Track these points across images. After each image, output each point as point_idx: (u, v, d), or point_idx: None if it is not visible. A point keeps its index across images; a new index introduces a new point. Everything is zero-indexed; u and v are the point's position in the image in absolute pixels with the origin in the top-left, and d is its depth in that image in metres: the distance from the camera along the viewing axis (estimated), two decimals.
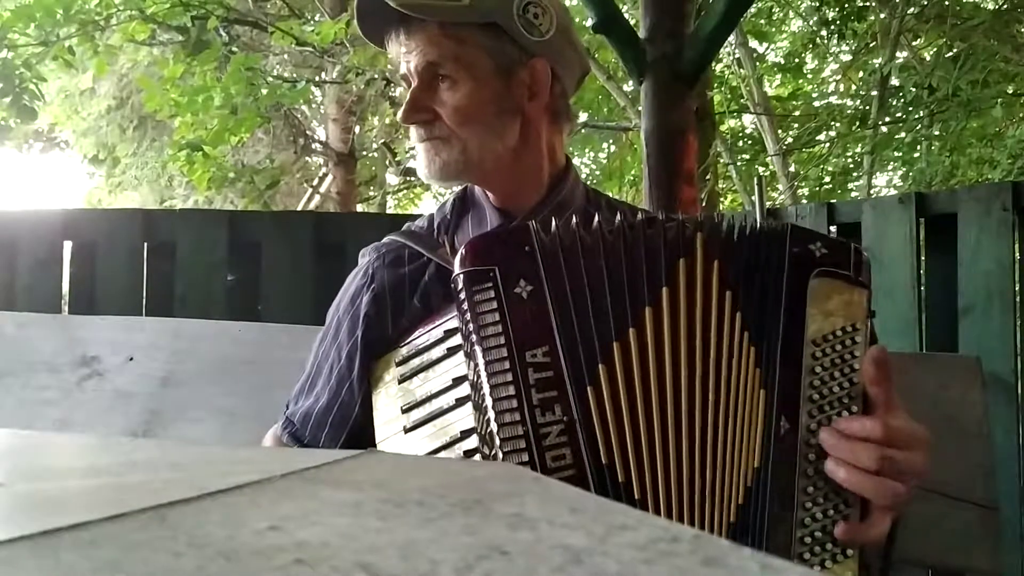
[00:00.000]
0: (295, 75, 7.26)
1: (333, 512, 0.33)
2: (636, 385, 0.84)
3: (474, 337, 0.85)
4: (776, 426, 0.84)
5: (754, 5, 5.55)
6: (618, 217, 0.89)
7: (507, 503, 0.35)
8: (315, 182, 9.62)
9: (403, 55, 1.06)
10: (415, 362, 0.97)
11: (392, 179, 10.19)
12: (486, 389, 0.84)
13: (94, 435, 1.45)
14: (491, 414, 0.83)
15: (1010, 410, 2.13)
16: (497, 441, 0.82)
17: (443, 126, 1.05)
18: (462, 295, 0.87)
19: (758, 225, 0.90)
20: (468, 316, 0.86)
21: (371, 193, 10.26)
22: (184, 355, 1.53)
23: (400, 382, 0.98)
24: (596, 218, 0.89)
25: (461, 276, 0.87)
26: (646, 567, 0.26)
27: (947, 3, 5.86)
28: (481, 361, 0.84)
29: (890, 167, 8.13)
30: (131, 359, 1.55)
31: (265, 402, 1.33)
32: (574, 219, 0.89)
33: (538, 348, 0.84)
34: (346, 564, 0.26)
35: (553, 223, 0.88)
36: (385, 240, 1.13)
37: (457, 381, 0.91)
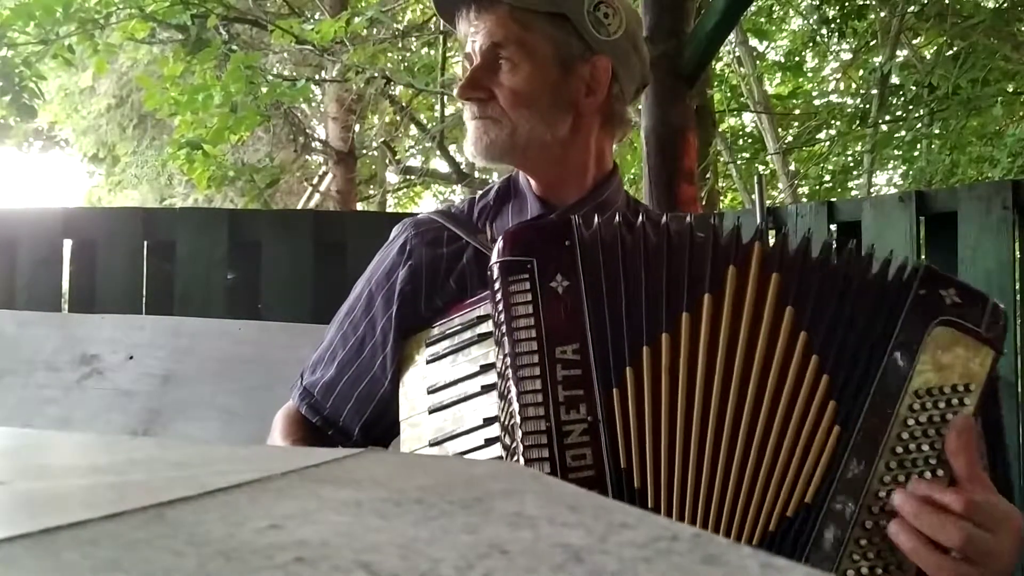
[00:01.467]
0: (295, 73, 7.26)
1: (333, 511, 0.33)
2: (663, 391, 0.82)
3: (505, 327, 0.84)
4: (846, 466, 0.80)
5: (754, 3, 5.55)
6: (664, 219, 0.87)
7: (507, 501, 0.35)
8: (315, 181, 9.63)
9: (470, 34, 1.08)
10: (445, 344, 0.96)
11: (392, 178, 10.19)
12: (512, 381, 0.83)
13: (94, 433, 1.45)
14: (515, 406, 0.82)
15: (1011, 409, 2.13)
16: (519, 434, 0.81)
17: (496, 106, 1.05)
18: (497, 284, 0.86)
19: (868, 263, 0.86)
20: (501, 305, 0.85)
21: (371, 192, 10.26)
22: (184, 353, 1.53)
23: (429, 362, 0.97)
24: (640, 217, 0.87)
25: (497, 265, 0.86)
26: (646, 565, 0.26)
27: (947, 1, 5.86)
28: (510, 352, 0.83)
29: (890, 165, 8.13)
30: (131, 357, 1.55)
31: (265, 400, 1.33)
32: (617, 216, 0.88)
33: (568, 345, 0.83)
34: (346, 563, 0.26)
35: (596, 219, 0.87)
36: (422, 217, 1.13)
37: (485, 368, 0.90)
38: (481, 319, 0.92)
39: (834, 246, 0.86)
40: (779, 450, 0.81)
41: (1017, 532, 0.79)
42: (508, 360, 0.84)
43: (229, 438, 1.45)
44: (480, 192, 1.19)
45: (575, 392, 0.82)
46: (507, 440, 0.85)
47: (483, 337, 0.92)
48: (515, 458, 0.82)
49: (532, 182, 1.11)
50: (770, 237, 0.89)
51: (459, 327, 0.95)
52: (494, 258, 0.87)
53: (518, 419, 0.82)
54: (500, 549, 0.28)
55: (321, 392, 1.11)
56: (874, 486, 0.80)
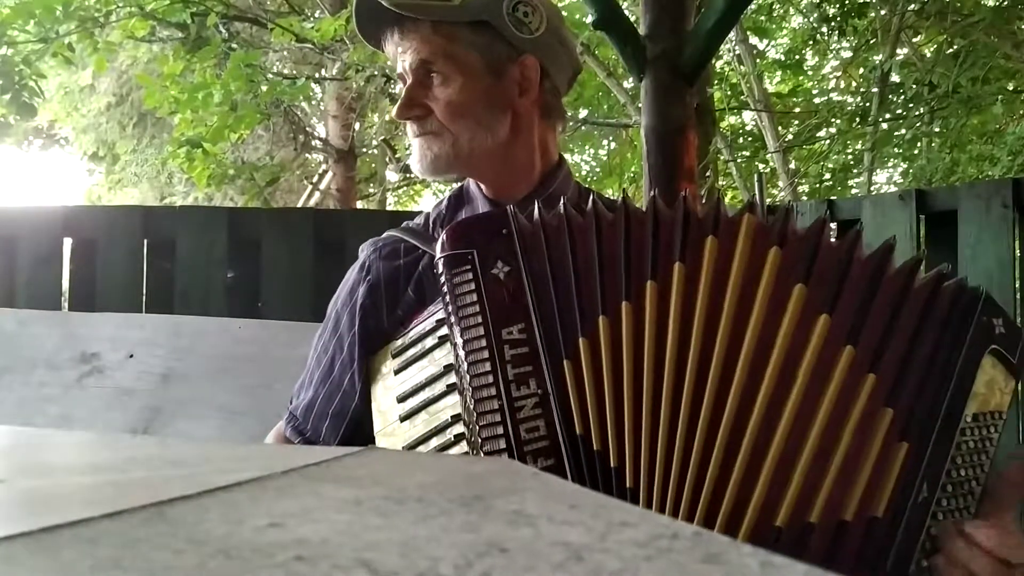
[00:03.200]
0: (295, 72, 7.25)
1: (333, 509, 0.33)
2: (624, 357, 0.83)
3: (453, 319, 0.87)
4: (916, 490, 0.81)
5: (754, 1, 5.55)
6: (619, 198, 0.89)
7: (507, 500, 0.35)
8: (315, 179, 9.62)
9: (399, 54, 1.10)
10: (409, 353, 0.99)
11: (392, 176, 10.19)
12: (465, 368, 0.85)
13: (94, 432, 1.45)
14: (469, 391, 0.84)
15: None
16: (475, 417, 0.83)
17: (435, 121, 1.08)
18: (443, 279, 0.88)
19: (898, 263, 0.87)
20: (448, 299, 0.87)
21: (371, 190, 10.26)
22: (184, 352, 1.53)
23: (396, 373, 0.99)
24: (591, 198, 0.89)
25: (442, 260, 0.88)
26: (646, 563, 0.26)
27: (947, 0, 5.85)
28: (460, 341, 0.86)
29: (890, 164, 8.13)
30: (131, 356, 1.55)
31: (265, 398, 1.33)
32: (562, 204, 0.89)
33: (514, 325, 0.85)
34: (346, 561, 0.26)
35: (536, 206, 0.89)
36: (383, 236, 1.16)
37: (448, 368, 0.92)
38: (440, 323, 0.94)
39: (861, 237, 0.87)
40: (809, 438, 0.81)
41: None
42: (459, 350, 0.86)
43: (229, 436, 1.45)
44: (435, 204, 1.21)
45: (524, 368, 0.83)
46: (463, 428, 0.87)
47: (444, 340, 0.94)
48: (473, 440, 0.84)
49: (482, 186, 1.14)
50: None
51: (420, 334, 0.98)
52: (438, 254, 0.89)
53: (472, 402, 0.84)
54: (500, 547, 0.28)
55: (302, 414, 1.14)
56: (932, 508, 0.81)
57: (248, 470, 0.40)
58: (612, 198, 1.00)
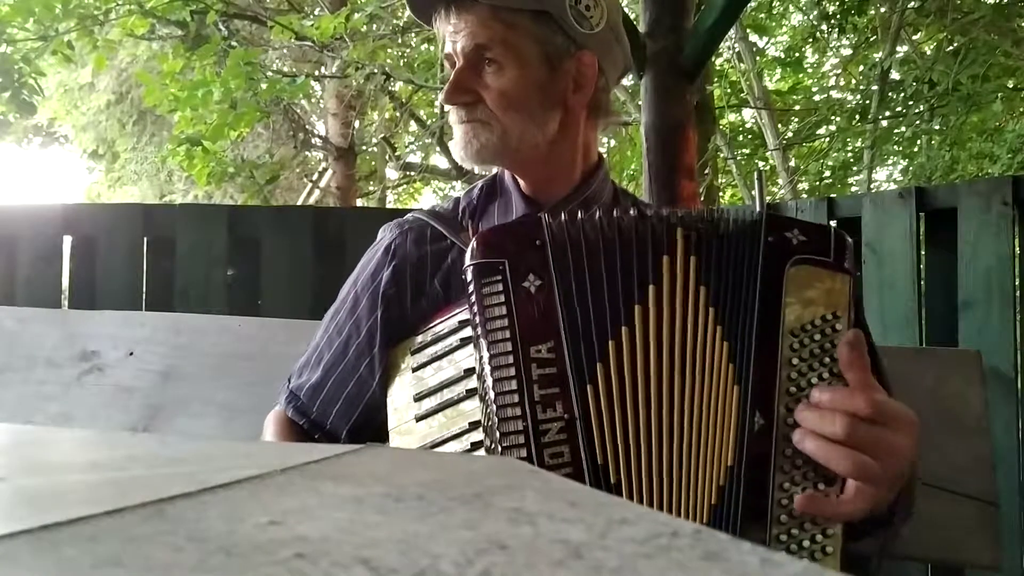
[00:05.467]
0: (294, 70, 7.24)
1: (333, 507, 0.33)
2: (627, 384, 0.83)
3: (480, 329, 0.85)
4: (750, 421, 0.82)
5: None
6: (615, 212, 0.88)
7: (507, 497, 0.35)
8: (315, 177, 9.63)
9: (450, 35, 1.05)
10: (430, 351, 0.97)
11: (392, 174, 10.18)
12: (489, 382, 0.84)
13: (94, 429, 1.45)
14: (493, 407, 0.83)
15: (1010, 405, 2.13)
16: (497, 435, 0.82)
17: (485, 109, 1.04)
18: (471, 287, 0.87)
19: (731, 217, 0.88)
20: (476, 308, 0.86)
21: (371, 188, 10.25)
22: (184, 350, 1.53)
23: (415, 370, 0.98)
24: (597, 214, 0.88)
25: (471, 268, 0.87)
26: (646, 561, 0.26)
27: None
28: (486, 354, 0.84)
29: (890, 161, 8.13)
30: (131, 354, 1.55)
31: (265, 396, 1.33)
32: (582, 213, 0.88)
33: (542, 344, 0.84)
34: (346, 558, 0.26)
35: (563, 217, 0.87)
36: (408, 217, 1.12)
37: (468, 372, 0.91)
38: (463, 324, 0.93)
39: (732, 215, 0.88)
40: (704, 422, 0.83)
41: (914, 428, 0.82)
42: (485, 362, 0.85)
43: (229, 434, 1.45)
44: (465, 190, 1.18)
45: (551, 390, 0.83)
46: (487, 441, 0.86)
47: (465, 342, 0.92)
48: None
49: (520, 181, 1.11)
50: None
51: (442, 333, 0.96)
52: (467, 261, 0.88)
53: (496, 420, 0.83)
54: (500, 545, 0.28)
55: (308, 395, 1.11)
56: (782, 429, 0.82)
57: (248, 468, 0.40)
58: (647, 203, 1.00)
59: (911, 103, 6.24)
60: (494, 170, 1.16)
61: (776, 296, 0.84)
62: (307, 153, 9.45)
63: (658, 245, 0.86)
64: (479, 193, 1.14)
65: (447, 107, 1.08)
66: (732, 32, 5.75)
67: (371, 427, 1.05)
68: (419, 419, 0.95)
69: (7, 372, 1.58)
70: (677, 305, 0.85)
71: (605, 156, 1.18)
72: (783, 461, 0.82)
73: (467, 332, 0.92)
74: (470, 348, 0.91)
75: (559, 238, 0.86)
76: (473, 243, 0.88)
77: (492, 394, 0.83)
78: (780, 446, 0.82)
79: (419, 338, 0.99)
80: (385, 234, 1.11)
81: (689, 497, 0.82)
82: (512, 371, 0.83)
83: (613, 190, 1.15)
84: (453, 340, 0.94)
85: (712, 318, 0.84)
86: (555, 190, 1.09)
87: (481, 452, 0.88)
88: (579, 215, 0.88)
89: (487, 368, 0.84)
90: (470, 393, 0.90)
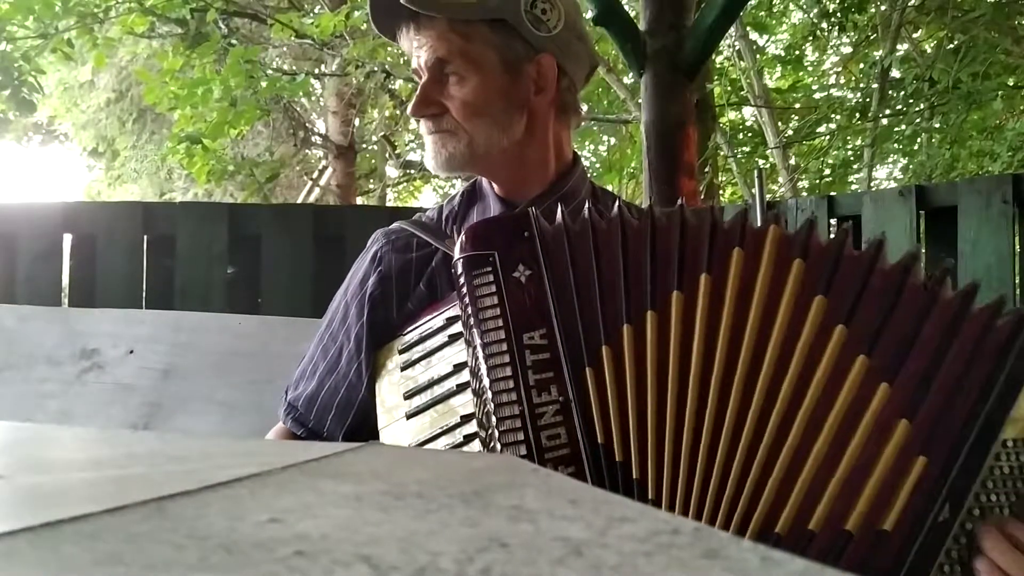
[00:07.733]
0: (294, 68, 7.24)
1: (333, 504, 0.33)
2: (648, 367, 0.82)
3: (472, 321, 0.86)
4: (937, 508, 0.77)
5: None
6: (646, 203, 0.88)
7: (507, 495, 0.35)
8: (315, 175, 9.62)
9: (414, 50, 1.08)
10: (417, 349, 0.98)
11: (392, 172, 10.18)
12: (484, 371, 0.84)
13: (94, 428, 1.46)
14: (488, 395, 0.83)
15: None
16: (494, 421, 0.82)
17: (451, 119, 1.07)
18: (462, 279, 0.87)
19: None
20: (467, 300, 0.86)
21: (371, 186, 10.25)
22: (184, 348, 1.53)
23: (403, 369, 0.98)
24: (616, 204, 0.88)
25: (461, 261, 0.87)
26: (646, 559, 0.26)
27: None
28: (479, 344, 0.85)
29: (890, 160, 8.12)
30: (131, 352, 1.55)
31: (265, 394, 1.33)
32: (586, 207, 0.88)
33: (535, 331, 0.84)
34: (346, 556, 0.26)
35: (559, 210, 0.88)
36: (394, 226, 1.14)
37: (458, 367, 0.91)
38: (451, 321, 0.94)
39: (884, 247, 0.84)
40: (816, 446, 0.79)
41: None
42: (478, 353, 0.85)
43: (229, 432, 1.45)
44: (447, 199, 1.21)
45: (545, 375, 0.83)
46: (482, 432, 0.86)
47: (454, 338, 0.93)
48: (492, 446, 0.83)
49: (494, 185, 1.13)
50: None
51: (430, 331, 0.97)
52: (457, 254, 0.88)
53: (492, 407, 0.83)
54: (500, 542, 0.28)
55: (304, 405, 1.13)
56: (955, 532, 0.77)
57: (248, 466, 0.40)
58: (631, 202, 0.99)
59: (911, 101, 6.23)
60: (470, 179, 1.19)
61: (1012, 398, 0.79)
62: (307, 151, 9.45)
63: (728, 237, 0.84)
64: (460, 199, 1.17)
65: (415, 121, 1.11)
66: (732, 30, 5.74)
67: (366, 429, 1.06)
68: (410, 416, 0.95)
69: (7, 370, 1.58)
70: (755, 300, 0.82)
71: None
72: (944, 561, 0.78)
73: (455, 328, 0.93)
74: (459, 344, 0.92)
75: (550, 230, 0.87)
76: (462, 237, 0.89)
77: (487, 382, 0.83)
78: (949, 547, 0.78)
79: (406, 337, 1.00)
80: (372, 243, 1.14)
81: (739, 508, 0.79)
82: (506, 358, 0.83)
83: (592, 188, 1.17)
84: (441, 337, 0.95)
85: (840, 337, 0.81)
86: (529, 189, 1.11)
87: (475, 444, 0.88)
88: (586, 209, 0.88)
89: (481, 359, 0.84)
90: (460, 388, 0.91)
